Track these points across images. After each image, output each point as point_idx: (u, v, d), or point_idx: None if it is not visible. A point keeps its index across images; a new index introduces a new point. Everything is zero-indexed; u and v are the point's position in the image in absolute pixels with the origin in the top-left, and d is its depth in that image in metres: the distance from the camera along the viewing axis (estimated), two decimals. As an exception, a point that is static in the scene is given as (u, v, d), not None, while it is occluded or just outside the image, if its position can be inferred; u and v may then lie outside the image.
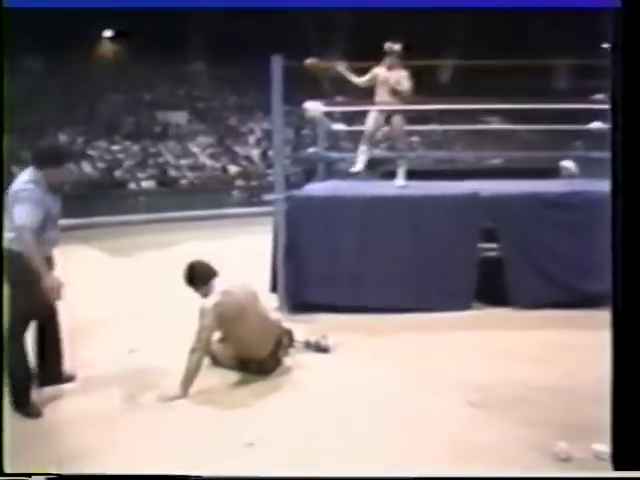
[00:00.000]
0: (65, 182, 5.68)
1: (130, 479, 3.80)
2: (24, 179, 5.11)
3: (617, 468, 3.40)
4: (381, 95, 8.98)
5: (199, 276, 5.66)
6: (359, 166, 9.10)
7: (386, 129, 9.18)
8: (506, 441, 4.30)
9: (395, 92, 8.88)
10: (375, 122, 9.07)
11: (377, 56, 9.01)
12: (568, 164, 12.35)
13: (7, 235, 4.98)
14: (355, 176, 9.30)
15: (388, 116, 9.00)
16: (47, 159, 5.20)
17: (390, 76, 8.87)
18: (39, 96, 27.78)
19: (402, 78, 8.85)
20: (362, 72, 9.08)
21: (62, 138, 26.22)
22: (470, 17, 33.80)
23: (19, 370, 5.09)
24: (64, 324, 5.53)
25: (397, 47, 8.94)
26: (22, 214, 4.92)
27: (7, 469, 3.68)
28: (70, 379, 5.66)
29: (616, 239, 3.32)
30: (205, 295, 5.54)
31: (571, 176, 11.33)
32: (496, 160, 20.25)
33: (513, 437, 4.37)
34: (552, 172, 11.49)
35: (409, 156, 9.72)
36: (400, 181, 8.94)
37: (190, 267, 5.73)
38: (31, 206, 4.95)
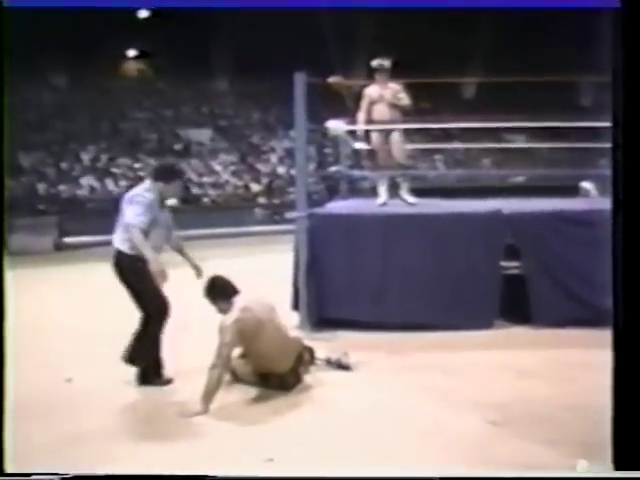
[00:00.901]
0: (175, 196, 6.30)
1: (130, 479, 3.81)
2: (141, 188, 5.97)
3: (617, 468, 3.38)
4: (381, 113, 8.97)
5: (219, 290, 5.68)
6: (383, 198, 9.11)
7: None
8: (524, 459, 4.27)
9: (394, 107, 8.90)
10: (379, 143, 9.04)
11: (399, 71, 9.03)
12: (588, 185, 12.34)
13: (117, 237, 5.88)
14: (376, 194, 9.29)
15: (387, 133, 8.99)
16: (161, 174, 6.05)
17: (384, 92, 8.91)
18: (63, 113, 28.04)
19: (399, 92, 8.89)
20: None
21: (85, 156, 26.42)
22: (493, 30, 33.92)
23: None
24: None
25: (387, 64, 8.98)
26: (132, 214, 5.73)
27: (7, 469, 3.70)
28: (169, 381, 6.01)
29: (617, 256, 3.31)
30: (223, 311, 5.56)
31: (590, 197, 11.31)
32: (520, 178, 20.22)
33: (531, 455, 4.34)
34: (573, 190, 11.45)
35: (410, 174, 9.67)
36: (409, 198, 9.00)
37: (211, 281, 5.75)
38: (141, 208, 5.73)
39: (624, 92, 3.27)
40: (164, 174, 6.09)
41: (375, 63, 9.01)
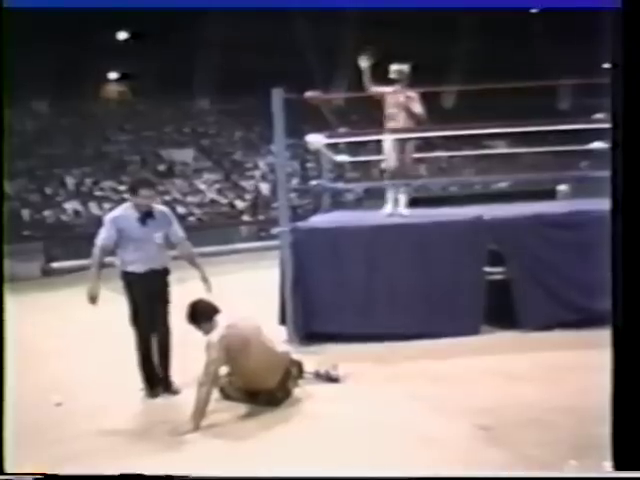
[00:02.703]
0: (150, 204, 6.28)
1: (130, 479, 3.82)
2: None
3: (617, 468, 3.41)
4: (399, 120, 8.81)
5: (201, 314, 5.71)
6: (390, 208, 9.09)
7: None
8: (516, 462, 4.30)
9: (409, 116, 8.75)
10: (395, 152, 8.90)
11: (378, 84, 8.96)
12: (563, 187, 12.69)
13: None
14: (360, 206, 9.33)
15: (403, 143, 8.85)
16: (130, 189, 6.41)
17: (404, 101, 8.75)
18: (46, 138, 28.03)
19: (414, 101, 8.75)
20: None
21: (69, 180, 26.41)
22: (472, 38, 34.09)
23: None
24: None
25: (406, 69, 8.80)
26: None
27: (7, 469, 3.71)
28: (177, 392, 6.21)
29: (616, 257, 3.34)
30: (207, 332, 5.58)
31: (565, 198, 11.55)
32: (502, 184, 20.34)
33: (523, 458, 4.36)
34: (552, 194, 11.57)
35: (416, 184, 9.63)
36: (404, 210, 8.96)
37: (191, 307, 5.77)
38: (103, 228, 6.12)
39: (623, 92, 3.29)
40: (131, 188, 6.32)
41: (394, 69, 8.80)
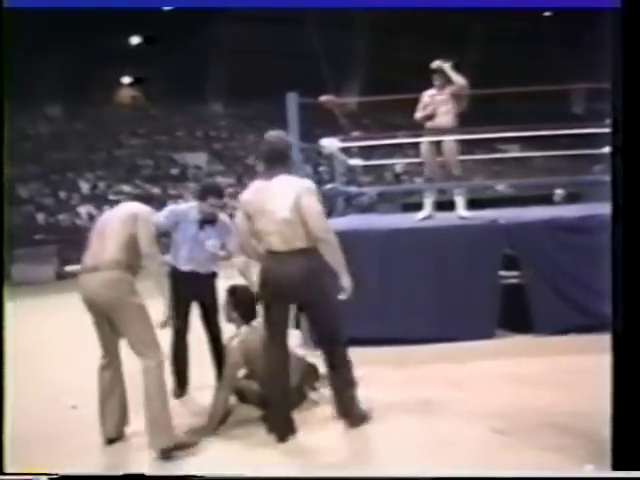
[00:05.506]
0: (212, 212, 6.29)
1: (130, 479, 3.84)
2: None
3: (617, 468, 3.41)
4: (433, 120, 8.69)
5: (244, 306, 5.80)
6: (427, 211, 8.93)
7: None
8: (532, 466, 4.30)
9: (448, 113, 8.63)
10: (430, 154, 8.75)
11: (390, 89, 8.95)
12: (559, 191, 12.87)
13: None
14: (374, 209, 9.29)
15: (439, 142, 8.65)
16: (197, 194, 6.44)
17: (440, 97, 8.66)
18: (60, 143, 28.14)
19: (455, 98, 8.63)
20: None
21: (83, 184, 26.51)
22: (485, 43, 34.08)
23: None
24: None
25: (447, 65, 8.65)
26: None
27: (7, 469, 3.72)
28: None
29: (616, 262, 3.34)
30: (238, 326, 5.68)
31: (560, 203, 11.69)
32: (503, 188, 20.42)
33: (537, 462, 4.35)
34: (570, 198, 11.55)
35: (465, 185, 9.42)
36: (463, 212, 8.71)
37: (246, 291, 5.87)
38: (165, 211, 6.38)
39: (623, 95, 3.29)
40: (200, 195, 6.30)
41: (434, 65, 8.67)
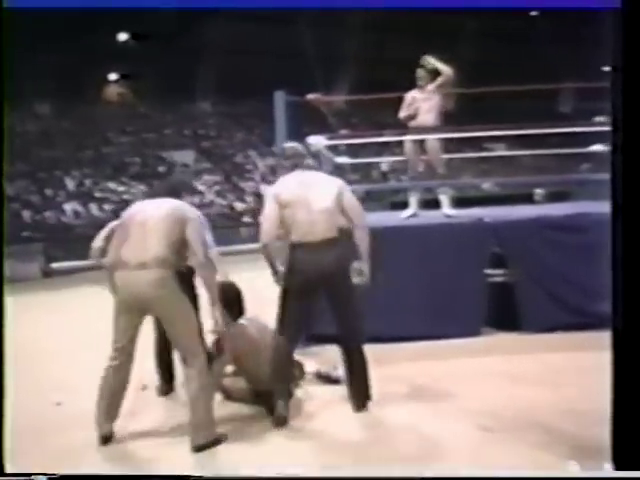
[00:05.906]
0: None
1: (130, 479, 3.82)
2: None
3: (617, 468, 3.41)
4: (422, 116, 8.61)
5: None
6: (412, 209, 8.88)
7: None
8: (518, 463, 4.29)
9: (432, 111, 8.56)
10: (413, 152, 8.70)
11: (379, 88, 8.91)
12: (539, 191, 12.95)
13: None
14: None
15: (422, 141, 8.57)
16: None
17: (422, 96, 8.62)
18: (46, 140, 28.05)
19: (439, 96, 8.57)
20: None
21: (70, 182, 26.43)
22: (473, 41, 34.12)
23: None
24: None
25: (428, 64, 8.63)
26: None
27: (7, 469, 3.70)
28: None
29: (616, 260, 3.33)
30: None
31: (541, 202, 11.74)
32: (489, 186, 20.48)
33: (525, 459, 4.36)
34: (558, 196, 11.58)
35: (451, 183, 9.39)
36: (449, 210, 8.64)
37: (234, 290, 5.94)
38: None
39: (623, 94, 3.28)
40: (169, 189, 6.00)
41: (422, 60, 8.65)
